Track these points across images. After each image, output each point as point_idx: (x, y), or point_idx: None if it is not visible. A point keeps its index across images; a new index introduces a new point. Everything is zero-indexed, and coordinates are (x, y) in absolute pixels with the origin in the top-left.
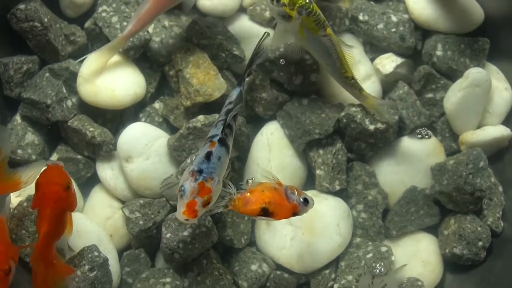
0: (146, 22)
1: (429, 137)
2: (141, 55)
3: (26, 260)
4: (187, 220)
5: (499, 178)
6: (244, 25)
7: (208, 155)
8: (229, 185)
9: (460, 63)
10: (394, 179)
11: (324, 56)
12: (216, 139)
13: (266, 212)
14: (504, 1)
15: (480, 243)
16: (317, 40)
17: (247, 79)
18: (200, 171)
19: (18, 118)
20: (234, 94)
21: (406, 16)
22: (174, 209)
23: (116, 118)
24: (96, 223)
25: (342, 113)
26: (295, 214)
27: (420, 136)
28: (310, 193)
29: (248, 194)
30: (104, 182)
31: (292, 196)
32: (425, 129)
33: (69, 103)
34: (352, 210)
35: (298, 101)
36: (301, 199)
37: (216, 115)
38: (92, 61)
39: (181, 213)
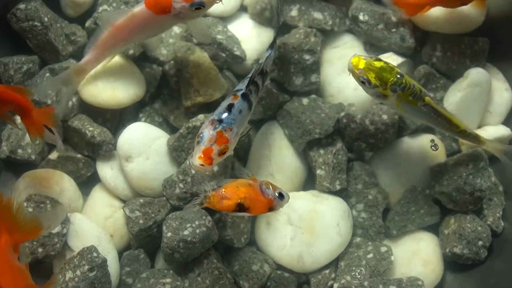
0: (102, 52)
1: (436, 149)
2: (141, 55)
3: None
4: (202, 165)
5: (499, 178)
6: (244, 25)
7: (230, 107)
8: (204, 182)
9: (460, 63)
10: (394, 179)
11: (430, 121)
12: (239, 93)
13: (241, 208)
14: (504, 1)
15: (480, 243)
16: (418, 110)
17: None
18: (220, 121)
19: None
20: (264, 57)
21: (405, 16)
22: (174, 208)
23: (116, 117)
24: (96, 223)
25: (342, 113)
26: (271, 209)
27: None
28: (310, 193)
29: (223, 190)
30: (104, 181)
31: (267, 191)
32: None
33: (69, 103)
34: (352, 210)
35: (298, 101)
36: (276, 194)
37: None
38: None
39: (196, 158)
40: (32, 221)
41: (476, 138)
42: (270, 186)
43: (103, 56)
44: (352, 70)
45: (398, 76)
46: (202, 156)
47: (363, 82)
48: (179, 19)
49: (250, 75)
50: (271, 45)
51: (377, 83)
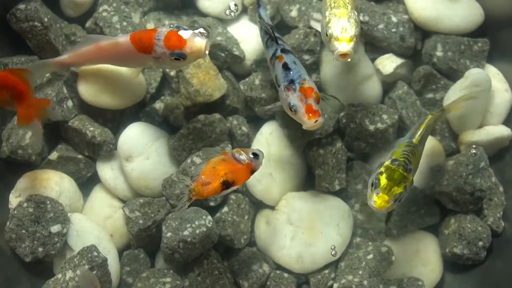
0: (76, 62)
1: (475, 155)
2: None
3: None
4: (316, 121)
5: (500, 178)
6: (244, 25)
7: (285, 66)
8: (182, 178)
9: (460, 64)
10: None
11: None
12: (278, 52)
13: (227, 184)
14: (504, 1)
15: (481, 243)
16: (421, 150)
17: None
18: (291, 81)
19: None
20: (260, 15)
21: (406, 16)
22: (174, 208)
23: (116, 118)
24: (96, 223)
25: (342, 113)
26: (253, 171)
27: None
28: (310, 193)
29: (203, 176)
30: (104, 181)
31: (241, 157)
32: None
33: (70, 103)
34: (352, 210)
35: None
36: (251, 156)
37: (217, 115)
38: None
39: (307, 121)
40: None
41: (442, 112)
42: (242, 152)
43: (75, 65)
44: (386, 209)
45: (396, 163)
46: (310, 114)
47: (400, 200)
48: (158, 62)
49: (265, 36)
50: (258, 2)
51: (403, 185)
